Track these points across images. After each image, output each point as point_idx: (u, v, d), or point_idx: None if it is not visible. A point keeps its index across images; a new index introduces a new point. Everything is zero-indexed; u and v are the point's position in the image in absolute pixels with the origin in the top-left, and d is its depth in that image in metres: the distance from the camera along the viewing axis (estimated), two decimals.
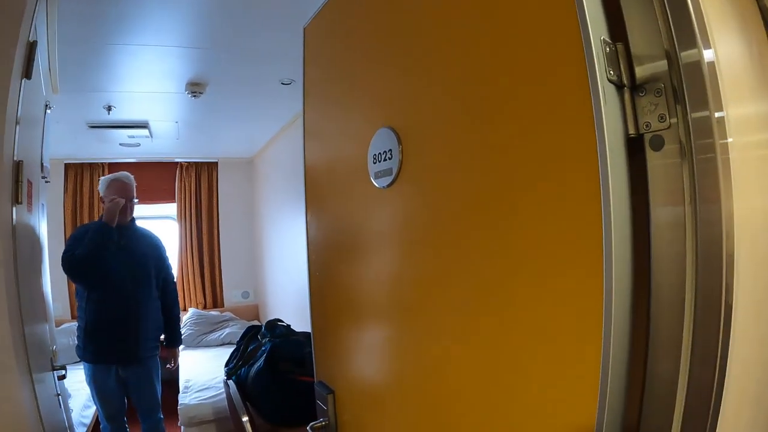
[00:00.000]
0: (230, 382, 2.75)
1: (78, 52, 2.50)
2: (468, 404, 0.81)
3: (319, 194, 1.37)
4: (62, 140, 4.31)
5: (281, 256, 4.67)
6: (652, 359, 0.57)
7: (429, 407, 0.92)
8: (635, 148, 0.58)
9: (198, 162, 5.68)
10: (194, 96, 3.18)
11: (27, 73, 1.51)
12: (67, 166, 5.21)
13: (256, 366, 2.66)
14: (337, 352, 1.30)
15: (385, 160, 0.99)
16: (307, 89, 1.42)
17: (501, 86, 0.72)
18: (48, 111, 2.25)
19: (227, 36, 2.45)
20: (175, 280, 3.21)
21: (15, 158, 1.46)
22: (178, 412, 3.15)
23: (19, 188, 1.49)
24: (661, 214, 0.57)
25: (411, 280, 0.95)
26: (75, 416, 3.30)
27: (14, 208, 1.46)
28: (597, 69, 0.56)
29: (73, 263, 2.69)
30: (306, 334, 2.86)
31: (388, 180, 0.98)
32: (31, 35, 1.49)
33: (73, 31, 2.22)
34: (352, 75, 1.17)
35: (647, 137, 0.58)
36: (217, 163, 5.78)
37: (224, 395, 3.16)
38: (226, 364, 3.05)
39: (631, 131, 0.58)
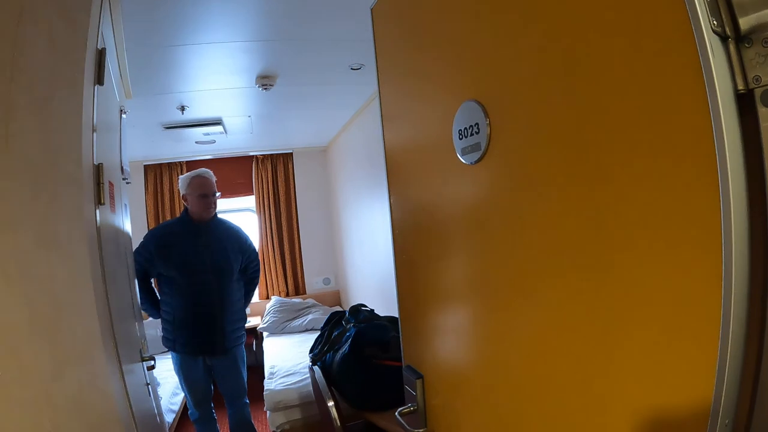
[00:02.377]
0: (315, 368, 2.80)
1: (147, 56, 2.60)
2: (564, 390, 0.76)
3: (402, 176, 1.33)
4: (140, 143, 4.55)
5: (360, 242, 4.71)
6: None
7: (521, 392, 0.87)
8: (745, 106, 0.51)
9: (273, 154, 5.82)
10: (265, 89, 3.23)
11: (99, 79, 1.57)
12: (147, 167, 5.51)
13: (341, 351, 2.68)
14: (426, 336, 1.26)
15: (471, 134, 0.92)
16: (380, 70, 1.38)
17: (596, 46, 0.65)
18: (123, 115, 2.35)
19: (292, 26, 2.45)
20: (258, 259, 3.28)
21: (95, 162, 1.53)
22: (264, 397, 3.26)
23: (101, 190, 1.56)
24: None
25: (501, 259, 0.89)
26: (164, 403, 3.49)
27: (97, 210, 1.54)
28: (701, 20, 0.50)
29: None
30: (390, 318, 2.85)
31: (476, 155, 0.92)
32: (99, 43, 1.54)
33: (140, 35, 2.31)
34: (427, 49, 1.12)
35: (758, 92, 0.51)
36: (292, 153, 5.90)
37: (309, 380, 3.23)
38: (311, 351, 3.10)
39: (740, 86, 0.51)
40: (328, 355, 2.82)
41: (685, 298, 0.55)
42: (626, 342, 0.64)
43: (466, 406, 1.08)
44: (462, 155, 0.97)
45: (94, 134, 1.52)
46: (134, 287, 2.50)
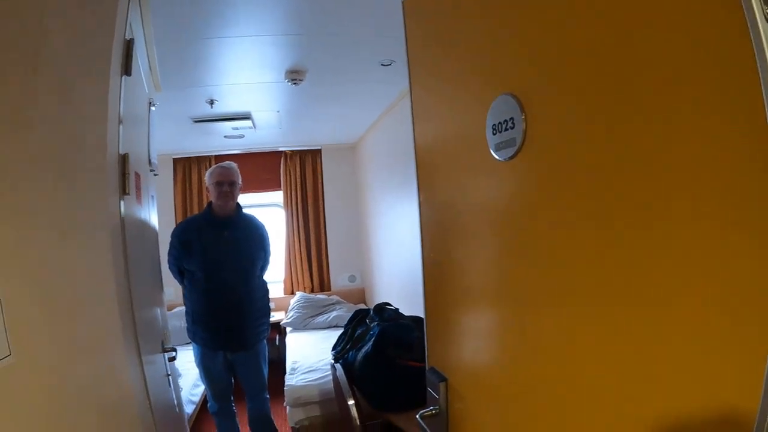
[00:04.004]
0: (337, 365, 2.78)
1: (177, 49, 2.61)
2: (601, 401, 0.71)
3: (433, 174, 1.29)
4: (169, 136, 4.59)
5: (387, 240, 4.68)
6: None
7: (550, 400, 0.82)
8: None
9: (302, 150, 5.84)
10: (294, 83, 3.22)
11: (126, 70, 1.58)
12: (176, 161, 5.59)
13: (364, 350, 2.66)
14: (452, 338, 1.22)
15: (506, 129, 0.88)
16: (411, 65, 1.35)
17: (652, 38, 0.60)
18: (152, 108, 2.37)
19: (322, 21, 2.43)
20: (267, 267, 3.27)
21: (120, 152, 1.53)
22: (285, 393, 3.25)
23: (126, 180, 1.57)
24: None
25: (534, 260, 0.85)
26: (185, 394, 3.51)
27: (122, 200, 1.54)
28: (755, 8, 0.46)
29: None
30: (414, 319, 2.81)
31: (510, 151, 0.87)
32: (127, 33, 1.54)
33: (170, 28, 2.31)
34: (460, 42, 1.08)
35: None
36: (320, 150, 5.91)
37: (330, 377, 3.21)
38: (334, 348, 3.09)
39: None
40: (350, 353, 2.80)
41: (733, 305, 0.50)
42: (666, 351, 0.59)
43: (492, 414, 1.03)
44: (495, 151, 0.92)
45: (121, 125, 1.52)
46: (160, 279, 2.52)
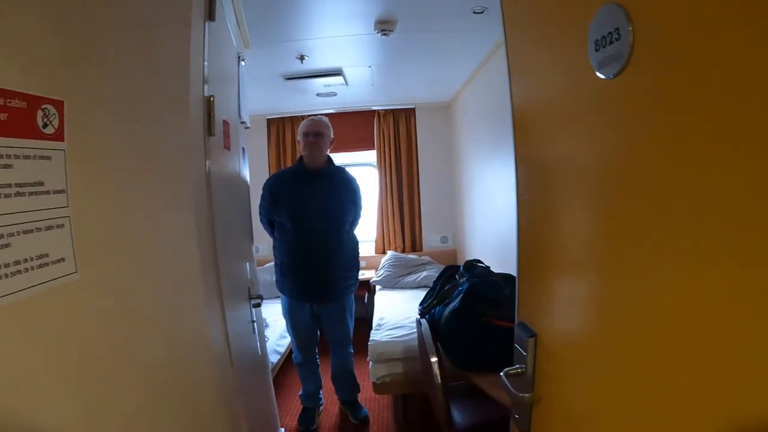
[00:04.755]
0: (423, 320, 2.72)
1: (263, 3, 2.60)
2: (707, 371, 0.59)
3: (530, 125, 1.18)
4: (262, 95, 4.68)
5: (480, 200, 4.54)
6: None
7: (650, 369, 0.70)
8: None
9: (395, 109, 5.77)
10: (384, 34, 3.13)
11: (210, 15, 1.58)
12: (269, 121, 5.75)
13: (451, 305, 2.58)
14: (545, 293, 1.12)
15: (610, 43, 0.75)
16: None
17: None
18: (242, 63, 2.39)
19: None
20: (359, 222, 3.27)
21: (205, 93, 1.54)
22: (368, 347, 3.27)
23: (212, 121, 1.58)
24: None
25: (642, 210, 0.71)
26: (270, 344, 3.64)
27: (207, 140, 1.56)
28: None
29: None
30: (505, 276, 2.68)
31: (616, 67, 0.74)
32: None
33: None
34: None
35: None
36: (414, 109, 5.81)
37: (415, 335, 3.19)
38: (421, 303, 3.04)
39: None
40: (437, 308, 2.73)
41: None
42: None
43: (584, 377, 0.92)
44: (599, 69, 0.78)
45: (205, 68, 1.53)
46: (249, 230, 2.59)
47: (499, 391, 2.19)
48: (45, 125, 0.82)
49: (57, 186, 0.85)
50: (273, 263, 3.20)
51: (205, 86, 1.54)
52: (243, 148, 2.60)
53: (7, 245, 0.73)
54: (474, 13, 2.92)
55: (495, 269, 2.95)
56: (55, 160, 0.85)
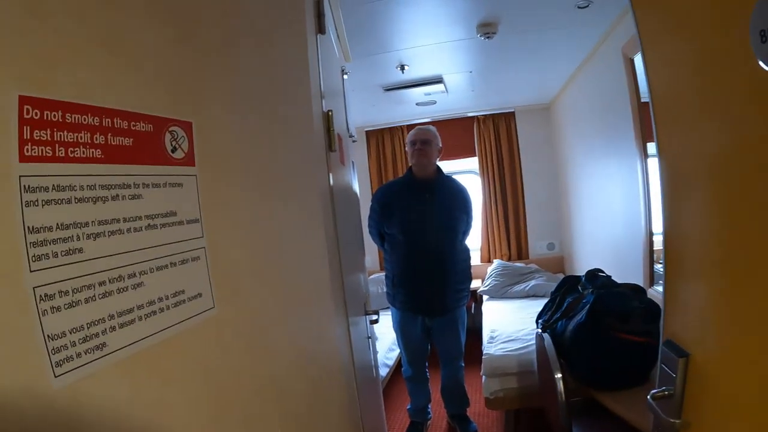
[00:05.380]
0: (545, 335, 2.58)
1: (361, 14, 2.60)
2: None
3: (681, 118, 1.06)
4: (361, 107, 4.71)
5: (590, 203, 4.29)
6: None
7: None
8: None
9: (494, 114, 5.64)
10: (488, 38, 3.04)
11: (320, 28, 1.59)
12: (369, 133, 5.81)
13: (576, 319, 2.41)
14: (703, 307, 1.00)
15: None
16: None
17: None
18: (345, 76, 2.41)
19: None
20: (470, 232, 3.18)
21: (324, 109, 1.55)
22: (482, 361, 3.14)
23: (332, 136, 1.59)
24: None
25: None
26: (380, 357, 3.58)
27: (329, 155, 1.56)
28: None
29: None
30: (632, 287, 2.47)
31: None
32: None
33: None
34: None
35: None
36: (513, 112, 5.65)
37: (530, 348, 3.04)
38: (539, 316, 2.88)
39: None
40: (560, 322, 2.57)
41: None
42: None
43: (757, 411, 0.79)
44: (765, 60, 0.68)
45: (321, 81, 1.53)
46: (362, 242, 2.59)
47: (625, 409, 2.05)
48: (174, 149, 0.76)
49: (190, 215, 0.78)
50: (379, 274, 3.20)
51: (323, 101, 1.55)
52: (353, 162, 2.62)
53: (139, 284, 0.66)
54: (578, 8, 2.77)
55: (614, 276, 2.74)
56: (186, 186, 0.78)
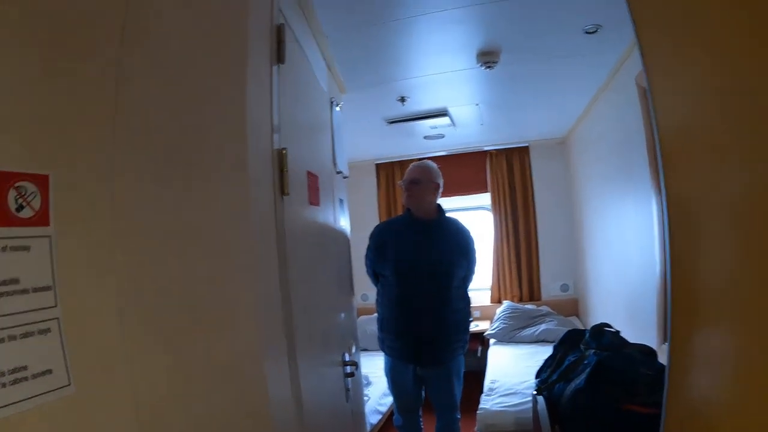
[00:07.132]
0: (540, 397, 2.32)
1: (352, 42, 2.48)
2: None
3: (689, 157, 1.01)
4: (369, 140, 4.64)
5: (606, 245, 4.06)
6: None
7: None
8: None
9: (508, 148, 5.49)
10: (488, 67, 2.89)
11: (279, 58, 1.44)
12: (378, 166, 5.76)
13: (575, 383, 2.16)
14: (717, 370, 0.91)
15: None
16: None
17: None
18: (336, 108, 2.26)
19: None
20: (472, 278, 2.96)
21: (275, 146, 1.39)
22: (477, 416, 2.92)
23: (284, 178, 1.42)
24: None
25: None
26: (372, 404, 3.45)
27: (282, 200, 1.40)
28: None
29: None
30: (640, 348, 2.21)
31: None
32: (276, 19, 1.43)
33: (341, 17, 2.19)
34: None
35: None
36: (528, 147, 5.49)
37: (530, 405, 2.78)
38: (538, 374, 2.63)
39: None
40: (557, 385, 2.31)
41: None
42: None
43: None
44: None
45: (275, 113, 1.38)
46: (349, 284, 2.42)
47: None
48: (20, 207, 0.68)
49: (39, 282, 0.71)
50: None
51: (275, 136, 1.39)
52: (341, 200, 2.45)
53: None
54: (586, 33, 2.59)
55: (628, 333, 2.47)
56: (35, 249, 0.71)
